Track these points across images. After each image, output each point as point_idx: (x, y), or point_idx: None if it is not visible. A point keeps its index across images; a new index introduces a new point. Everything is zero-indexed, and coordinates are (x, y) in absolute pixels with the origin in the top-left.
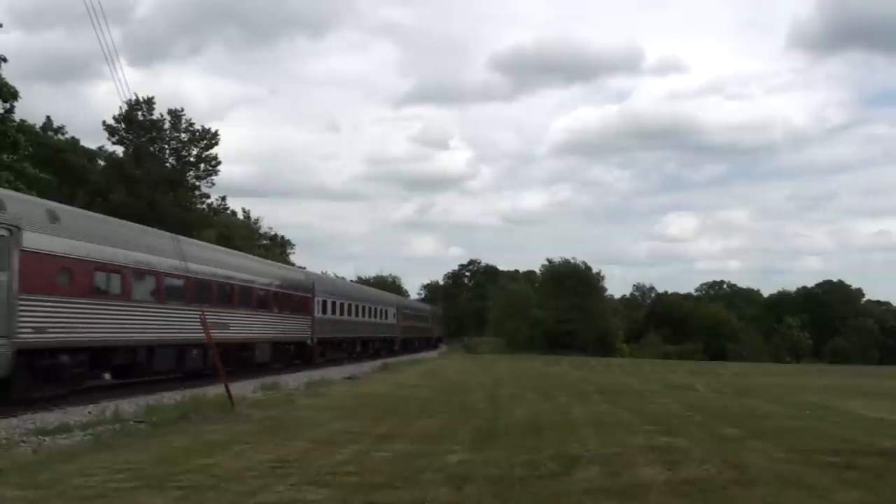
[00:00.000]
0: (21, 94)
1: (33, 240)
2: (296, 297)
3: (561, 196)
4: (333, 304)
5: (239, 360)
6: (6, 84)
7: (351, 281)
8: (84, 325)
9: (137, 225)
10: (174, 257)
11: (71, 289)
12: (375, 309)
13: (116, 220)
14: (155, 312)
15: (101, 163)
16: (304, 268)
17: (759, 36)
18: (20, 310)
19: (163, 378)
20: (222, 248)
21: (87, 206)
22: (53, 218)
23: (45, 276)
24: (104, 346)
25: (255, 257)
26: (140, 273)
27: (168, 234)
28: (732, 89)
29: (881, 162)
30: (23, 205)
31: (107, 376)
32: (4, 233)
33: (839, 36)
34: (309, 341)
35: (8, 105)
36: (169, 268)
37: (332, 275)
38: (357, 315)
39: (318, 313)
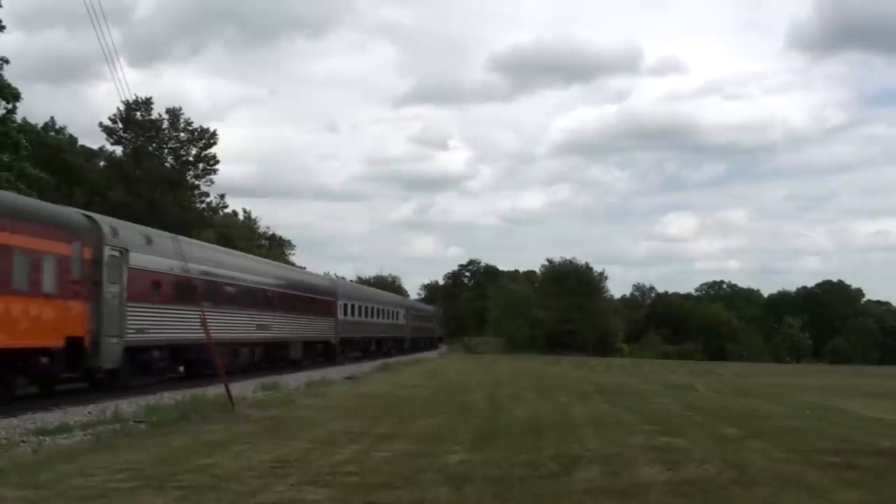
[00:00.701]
0: (21, 94)
1: (136, 259)
2: (323, 301)
3: (560, 196)
4: (353, 307)
5: (278, 357)
6: (8, 85)
7: (351, 281)
8: (169, 327)
9: (204, 243)
10: (230, 269)
11: (160, 297)
12: (388, 311)
13: (189, 239)
14: (216, 316)
15: (102, 163)
16: (328, 273)
17: (758, 36)
18: (127, 315)
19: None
20: (264, 260)
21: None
22: (149, 241)
23: (144, 288)
24: (180, 344)
25: (289, 266)
26: (205, 284)
27: (223, 248)
28: (731, 89)
29: (880, 162)
30: (128, 230)
31: (180, 369)
32: (117, 254)
33: (838, 36)
34: (333, 340)
35: (10, 106)
36: (225, 278)
37: (333, 275)
38: (373, 317)
39: (340, 315)
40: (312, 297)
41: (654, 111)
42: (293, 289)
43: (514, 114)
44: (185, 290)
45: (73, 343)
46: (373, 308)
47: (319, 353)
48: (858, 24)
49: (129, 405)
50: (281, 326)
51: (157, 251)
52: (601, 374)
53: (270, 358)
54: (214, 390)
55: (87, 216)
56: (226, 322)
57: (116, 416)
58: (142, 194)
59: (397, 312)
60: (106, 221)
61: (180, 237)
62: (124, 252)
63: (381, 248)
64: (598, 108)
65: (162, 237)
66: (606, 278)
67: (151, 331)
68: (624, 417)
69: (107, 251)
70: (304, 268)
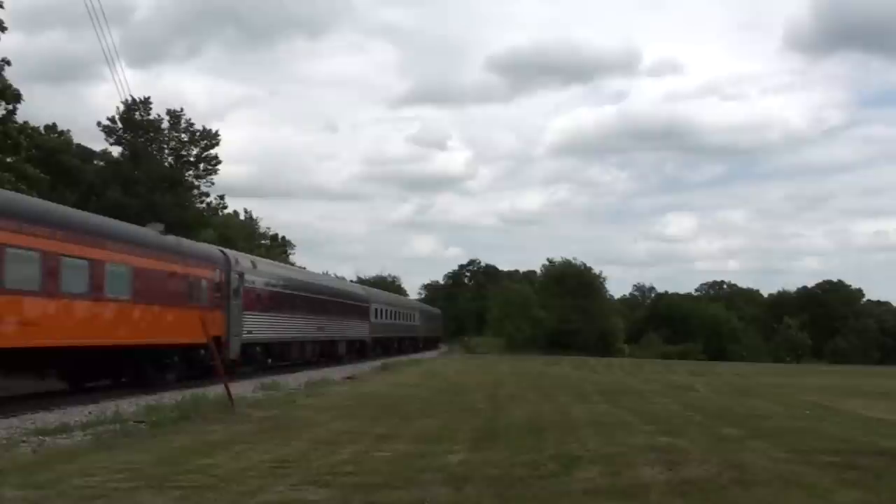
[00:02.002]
0: (22, 95)
1: (248, 279)
2: (359, 307)
3: (559, 196)
4: (382, 311)
5: (328, 353)
6: (9, 86)
7: (351, 281)
8: (265, 329)
9: (282, 263)
10: (299, 283)
11: (260, 307)
12: (406, 314)
13: (271, 261)
14: (292, 320)
15: (101, 163)
16: (325, 272)
17: (756, 37)
18: (244, 321)
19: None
20: (320, 274)
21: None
22: (254, 265)
23: (251, 301)
24: (271, 341)
25: (334, 277)
26: (285, 296)
27: (294, 267)
28: (729, 90)
29: (879, 162)
30: (243, 259)
31: (269, 361)
32: (237, 277)
33: (835, 37)
34: (367, 340)
35: (10, 107)
36: (297, 290)
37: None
38: (396, 319)
39: (372, 319)
40: (353, 304)
41: (652, 112)
42: (339, 297)
43: (512, 114)
44: (274, 302)
45: (217, 340)
46: (395, 312)
47: (357, 351)
48: (855, 25)
49: (129, 405)
50: (332, 328)
51: (258, 273)
52: (601, 374)
53: (324, 354)
54: (214, 390)
55: (221, 251)
56: (298, 325)
57: (116, 416)
58: (139, 195)
59: (413, 315)
60: (231, 254)
61: (274, 262)
62: (241, 275)
63: (381, 248)
64: (597, 109)
65: (261, 262)
66: (605, 279)
67: (255, 332)
68: (624, 417)
69: (233, 275)
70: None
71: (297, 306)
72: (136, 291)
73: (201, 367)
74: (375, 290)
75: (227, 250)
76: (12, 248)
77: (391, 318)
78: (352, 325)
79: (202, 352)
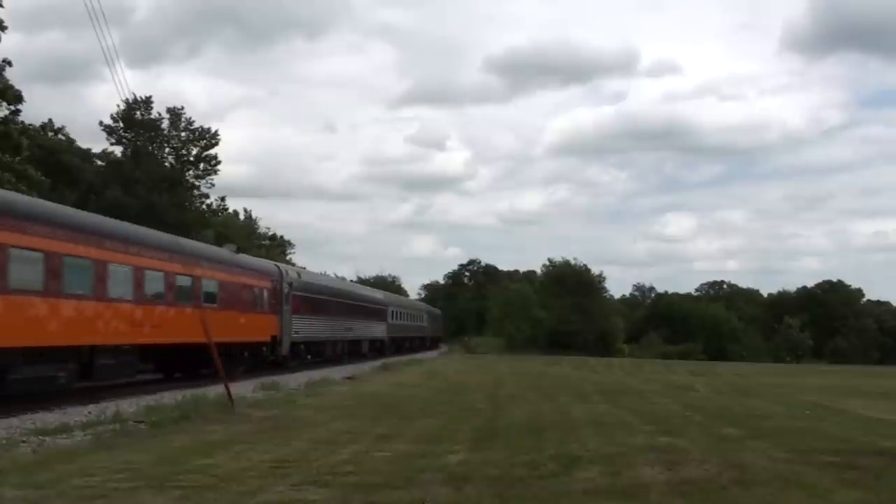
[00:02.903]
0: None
1: (295, 288)
2: (379, 310)
3: (559, 196)
4: (397, 313)
5: (354, 351)
6: (10, 87)
7: (351, 281)
8: (307, 330)
9: (320, 273)
10: (331, 289)
11: (303, 311)
12: (416, 315)
13: (311, 271)
14: (327, 322)
15: (101, 163)
16: (324, 272)
17: (754, 38)
18: (293, 323)
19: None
20: (347, 282)
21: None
22: (299, 276)
23: (297, 306)
24: (312, 340)
25: (360, 285)
26: (322, 301)
27: (329, 276)
28: (728, 91)
29: (877, 163)
30: (291, 271)
31: (308, 357)
32: (287, 286)
33: (833, 38)
34: (385, 339)
35: (12, 108)
36: (330, 296)
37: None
38: (408, 321)
39: (390, 321)
40: (374, 308)
41: (651, 112)
42: (363, 302)
43: (511, 115)
44: (313, 307)
45: (273, 339)
46: (408, 314)
47: (377, 349)
48: (853, 25)
49: (129, 405)
50: (358, 329)
51: (301, 283)
52: (601, 374)
53: (350, 352)
54: (214, 390)
55: (276, 265)
56: (331, 326)
57: (116, 416)
58: (139, 195)
59: (422, 316)
60: (282, 267)
61: (311, 272)
62: (290, 285)
63: (380, 248)
64: (596, 109)
65: (304, 273)
66: (605, 278)
67: (300, 332)
68: (624, 417)
69: (284, 285)
70: (305, 268)
71: (330, 310)
72: (221, 300)
73: (264, 360)
74: (392, 294)
75: (279, 264)
76: (151, 270)
77: (405, 319)
78: (373, 327)
79: (264, 349)
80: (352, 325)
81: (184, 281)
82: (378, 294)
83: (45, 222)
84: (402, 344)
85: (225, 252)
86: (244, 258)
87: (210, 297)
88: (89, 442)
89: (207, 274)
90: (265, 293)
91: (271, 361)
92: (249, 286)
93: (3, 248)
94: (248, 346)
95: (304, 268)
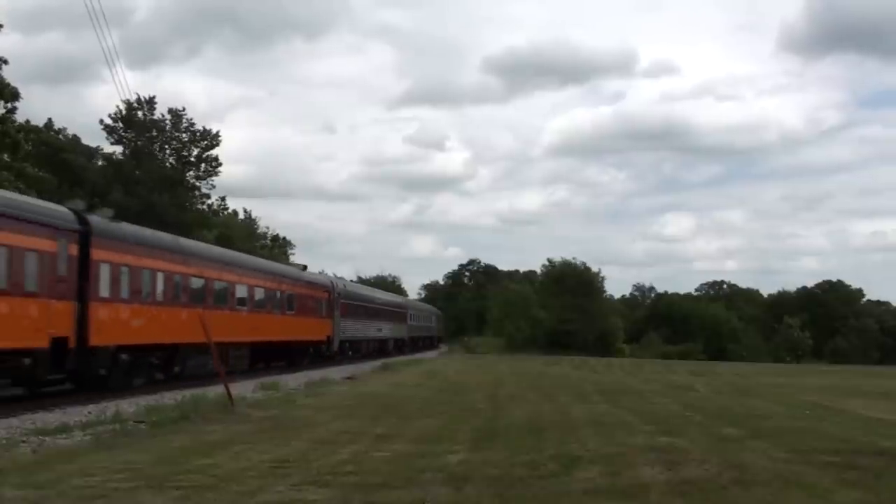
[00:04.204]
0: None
1: (342, 297)
2: (401, 313)
3: (558, 196)
4: (414, 315)
5: (382, 349)
6: (7, 85)
7: (351, 281)
8: (352, 330)
9: (357, 284)
10: (366, 296)
11: (346, 315)
12: (427, 316)
13: (352, 283)
14: (363, 324)
15: (101, 162)
16: (322, 272)
17: (751, 39)
18: (342, 325)
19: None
20: (378, 290)
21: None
22: (344, 286)
23: (343, 312)
24: (352, 340)
25: (387, 292)
26: (358, 307)
27: (363, 285)
28: (726, 91)
29: (875, 163)
30: (339, 282)
31: (350, 353)
32: (337, 295)
33: (829, 39)
34: (406, 338)
35: (9, 106)
36: (366, 302)
37: (333, 275)
38: (422, 321)
39: (409, 322)
40: (397, 311)
41: (649, 112)
42: (389, 307)
43: (510, 115)
44: (354, 312)
45: (328, 338)
46: (422, 315)
47: (399, 348)
48: (849, 26)
49: (129, 405)
50: (386, 330)
51: (346, 292)
52: (601, 374)
53: (378, 350)
54: (214, 390)
55: (330, 280)
56: (367, 327)
57: (116, 416)
58: (140, 195)
59: (432, 317)
60: (335, 280)
61: (351, 282)
62: (339, 295)
63: (380, 248)
64: (594, 110)
65: (348, 284)
66: (604, 278)
67: (346, 333)
68: (624, 417)
69: (335, 294)
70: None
71: (367, 314)
72: (297, 308)
73: (322, 355)
74: (410, 300)
75: (332, 278)
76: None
77: (420, 321)
78: (397, 328)
79: (322, 346)
80: (382, 326)
81: (277, 295)
82: (400, 299)
83: (226, 263)
84: (417, 342)
85: (297, 271)
86: (309, 274)
87: (290, 307)
88: (89, 442)
89: (290, 290)
90: (323, 302)
91: (326, 356)
92: (314, 297)
93: (233, 285)
94: (313, 344)
95: (343, 277)
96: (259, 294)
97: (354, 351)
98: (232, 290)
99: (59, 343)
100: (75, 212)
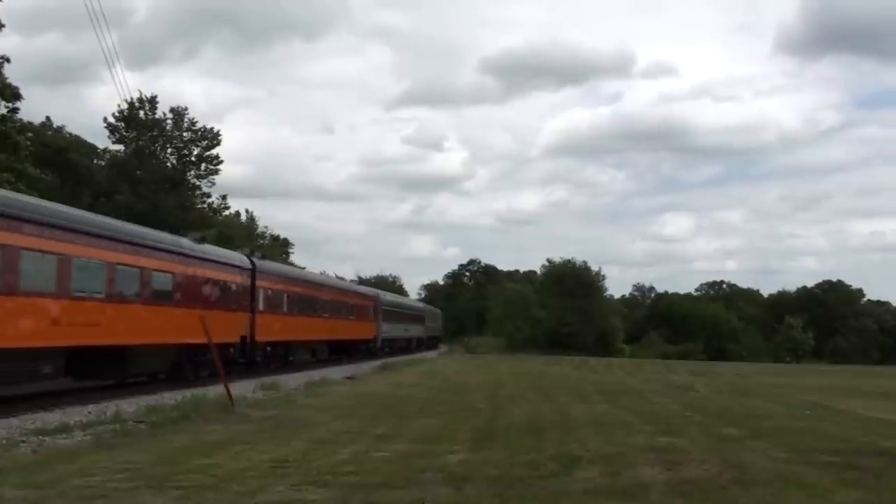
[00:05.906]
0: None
1: (384, 303)
2: (420, 315)
3: (556, 197)
4: (427, 317)
5: (407, 348)
6: (8, 85)
7: (351, 281)
8: (389, 331)
9: (392, 294)
10: (397, 302)
11: (384, 319)
12: (435, 317)
13: (385, 293)
14: (395, 326)
15: (101, 162)
16: (323, 272)
17: (748, 40)
18: (381, 327)
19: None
20: (406, 297)
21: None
22: (385, 294)
23: (383, 315)
24: (390, 338)
25: (411, 299)
26: (392, 312)
27: (394, 294)
28: (724, 92)
29: (874, 163)
30: (381, 293)
31: (387, 349)
32: (378, 303)
33: (826, 40)
34: (423, 338)
35: (10, 105)
36: (397, 307)
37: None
38: (433, 322)
39: (425, 323)
40: (418, 314)
41: (647, 113)
42: (412, 311)
43: (508, 115)
44: (390, 315)
45: (374, 337)
46: (433, 317)
47: (419, 346)
48: (845, 27)
49: (129, 405)
50: (410, 330)
51: (384, 300)
52: (601, 374)
53: (404, 348)
54: (214, 390)
55: (375, 291)
56: (397, 329)
57: (116, 416)
58: (145, 196)
59: (438, 317)
60: (378, 293)
61: (387, 292)
62: (380, 304)
63: (379, 248)
64: (592, 110)
65: (385, 294)
66: (604, 278)
67: (385, 333)
68: (624, 417)
69: (379, 304)
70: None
71: (398, 318)
72: (355, 314)
73: (369, 351)
74: (426, 304)
75: (378, 291)
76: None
77: (431, 322)
78: (416, 328)
79: (369, 344)
80: (408, 327)
81: (340, 304)
82: (420, 304)
83: (320, 284)
84: (430, 341)
85: (354, 285)
86: (362, 288)
87: (350, 313)
88: (89, 442)
89: (352, 301)
90: (371, 310)
91: (372, 351)
92: (365, 306)
93: (322, 300)
94: (364, 342)
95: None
96: (335, 305)
97: (390, 347)
98: (321, 303)
99: (243, 339)
100: (248, 256)
